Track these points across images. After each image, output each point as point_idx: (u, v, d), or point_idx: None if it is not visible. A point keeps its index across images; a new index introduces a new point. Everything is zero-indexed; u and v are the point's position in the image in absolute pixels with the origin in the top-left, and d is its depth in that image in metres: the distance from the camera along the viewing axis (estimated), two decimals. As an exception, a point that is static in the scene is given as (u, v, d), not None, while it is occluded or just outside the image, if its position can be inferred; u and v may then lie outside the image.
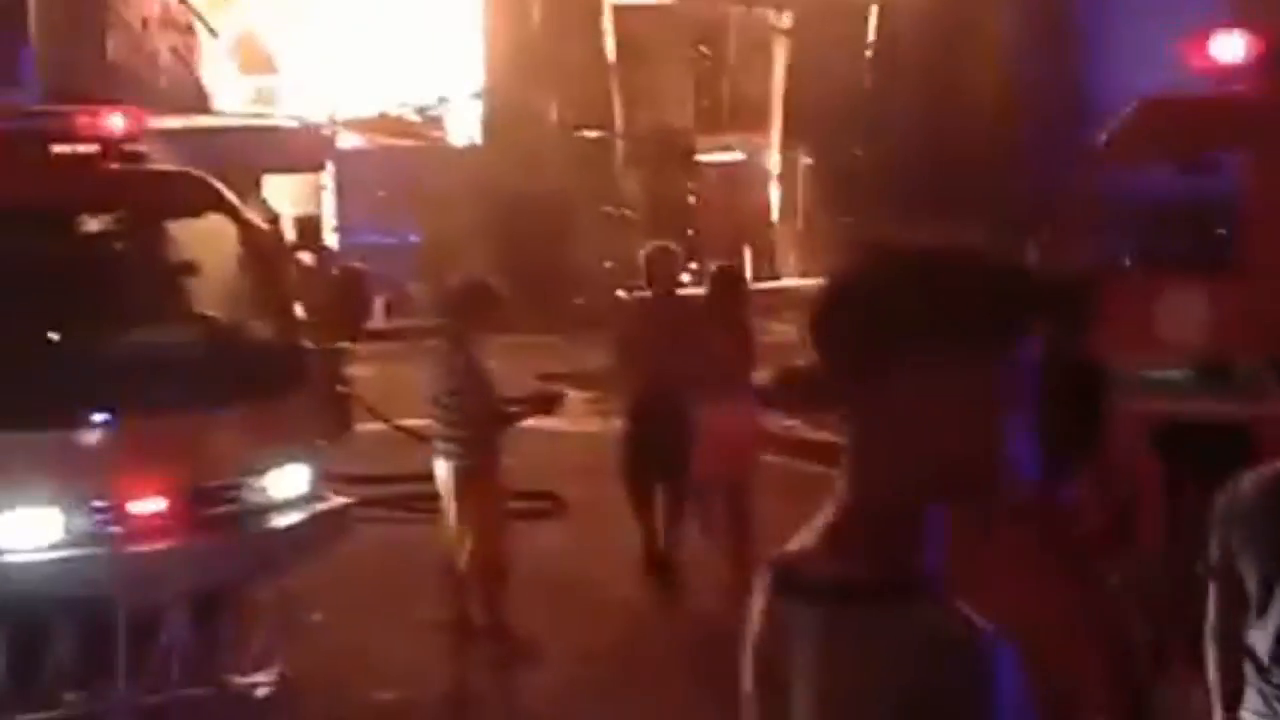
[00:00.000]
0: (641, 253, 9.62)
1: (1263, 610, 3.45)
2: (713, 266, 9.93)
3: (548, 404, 8.54)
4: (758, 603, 1.87)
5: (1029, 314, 1.77)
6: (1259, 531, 3.49)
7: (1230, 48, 7.80)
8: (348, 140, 24.95)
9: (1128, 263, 9.02)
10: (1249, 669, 3.52)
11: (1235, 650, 3.54)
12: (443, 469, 7.79)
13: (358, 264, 16.22)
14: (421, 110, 26.71)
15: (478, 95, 26.55)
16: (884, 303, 1.74)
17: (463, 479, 7.66)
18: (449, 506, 7.80)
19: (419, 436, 13.84)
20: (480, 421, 7.61)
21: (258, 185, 18.90)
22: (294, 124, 23.40)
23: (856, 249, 1.85)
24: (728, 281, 9.26)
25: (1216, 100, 7.96)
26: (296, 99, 24.10)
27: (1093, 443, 2.64)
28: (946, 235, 1.81)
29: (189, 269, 8.22)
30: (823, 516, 1.81)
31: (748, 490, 8.54)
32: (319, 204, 23.37)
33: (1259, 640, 3.47)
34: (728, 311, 8.86)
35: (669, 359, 8.62)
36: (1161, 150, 8.12)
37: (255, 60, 23.37)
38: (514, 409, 8.11)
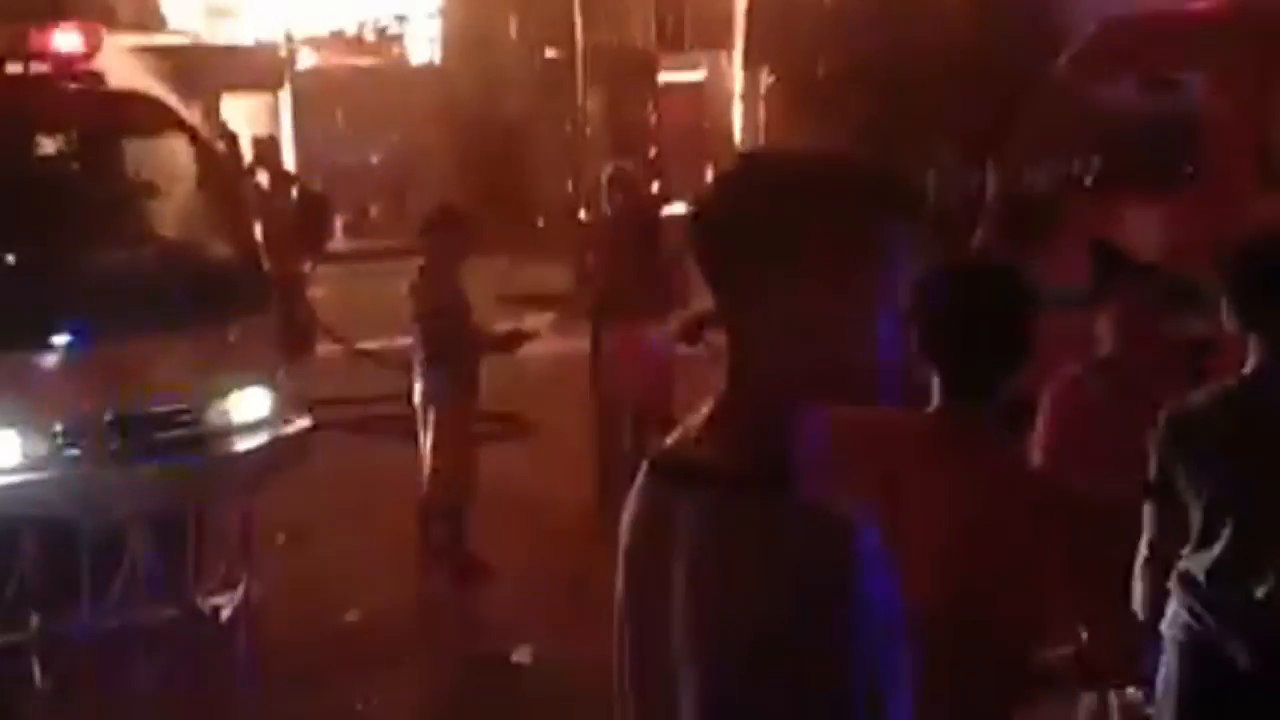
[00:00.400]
0: (602, 175, 9.61)
1: (1208, 533, 3.44)
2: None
3: (519, 342, 8.53)
4: (634, 501, 1.89)
5: (895, 218, 1.79)
6: (1207, 453, 3.46)
7: None
8: (306, 59, 24.67)
9: (1088, 181, 9.05)
10: (1181, 588, 3.51)
11: (1168, 571, 3.54)
12: (419, 389, 7.79)
13: (316, 185, 16.11)
14: (380, 29, 26.40)
15: (436, 14, 26.26)
16: (748, 216, 1.77)
17: (438, 401, 7.67)
18: (422, 426, 7.80)
19: (378, 360, 13.86)
20: (458, 345, 7.61)
21: (215, 105, 18.69)
22: (250, 42, 23.12)
23: (730, 165, 1.88)
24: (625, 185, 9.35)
25: (1179, 19, 7.95)
26: (252, 16, 23.77)
27: (1018, 357, 2.62)
28: (832, 147, 1.85)
29: (146, 190, 8.13)
30: (702, 412, 1.84)
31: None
32: (277, 124, 23.13)
33: (1198, 562, 3.46)
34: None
35: (627, 279, 8.62)
36: (1124, 69, 8.13)
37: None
38: (488, 341, 8.11)
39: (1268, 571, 3.37)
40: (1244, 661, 3.39)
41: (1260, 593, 3.36)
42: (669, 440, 1.89)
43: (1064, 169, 8.99)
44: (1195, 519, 3.44)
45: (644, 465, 1.91)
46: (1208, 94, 7.70)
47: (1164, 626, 3.52)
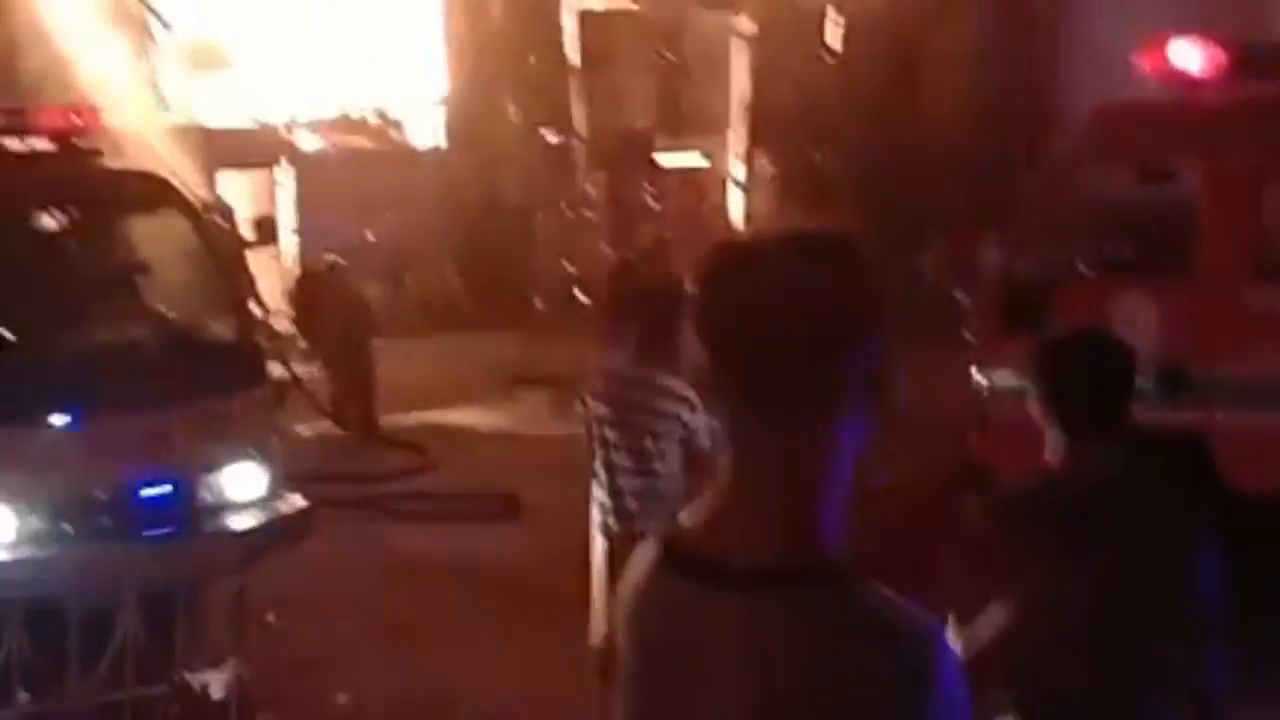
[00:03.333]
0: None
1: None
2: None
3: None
4: (648, 592, 1.82)
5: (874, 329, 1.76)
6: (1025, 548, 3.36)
7: (1187, 55, 7.83)
8: (308, 142, 24.82)
9: (1085, 269, 9.09)
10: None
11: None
12: None
13: (334, 258, 16.23)
14: (381, 113, 26.60)
15: (441, 101, 26.48)
16: (751, 319, 1.73)
17: None
18: None
19: (374, 436, 13.87)
20: None
21: (212, 183, 18.81)
22: (250, 123, 23.30)
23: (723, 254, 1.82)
24: (662, 250, 9.40)
25: (1176, 108, 8.00)
26: (252, 98, 23.94)
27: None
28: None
29: (145, 267, 8.16)
30: (709, 500, 1.79)
31: None
32: (274, 204, 23.23)
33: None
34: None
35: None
36: (1122, 158, 8.17)
37: (209, 57, 23.20)
38: None
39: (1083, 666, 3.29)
40: None
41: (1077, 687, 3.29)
42: (677, 529, 1.82)
43: (1062, 256, 9.03)
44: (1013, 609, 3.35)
45: (650, 554, 1.84)
46: (1204, 183, 7.74)
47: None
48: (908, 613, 1.67)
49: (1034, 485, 3.45)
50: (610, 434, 5.71)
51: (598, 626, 5.74)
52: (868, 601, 1.67)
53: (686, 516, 1.82)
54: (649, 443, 5.66)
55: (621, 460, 5.70)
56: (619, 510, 5.72)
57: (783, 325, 1.69)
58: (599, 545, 5.85)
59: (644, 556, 1.85)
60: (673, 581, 1.78)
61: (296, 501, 7.95)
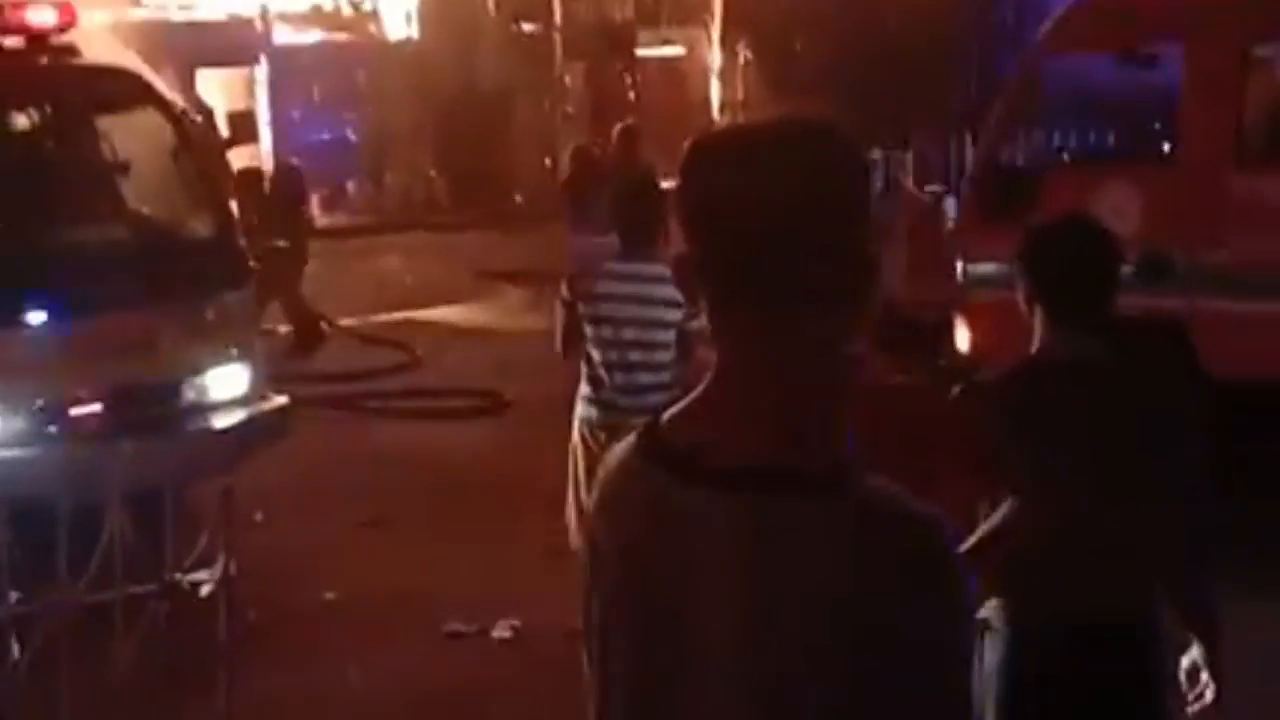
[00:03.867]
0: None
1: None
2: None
3: None
4: (625, 487, 1.75)
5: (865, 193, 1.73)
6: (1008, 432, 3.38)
7: None
8: (281, 34, 24.50)
9: (1066, 156, 9.07)
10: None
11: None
12: None
13: (294, 161, 16.03)
14: (356, 4, 26.24)
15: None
16: (741, 203, 1.65)
17: None
18: None
19: (358, 336, 13.85)
20: None
21: (191, 80, 18.58)
22: (225, 17, 22.97)
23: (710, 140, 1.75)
24: (629, 139, 9.38)
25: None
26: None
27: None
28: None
29: (125, 167, 8.09)
30: (700, 394, 1.72)
31: None
32: (253, 99, 22.98)
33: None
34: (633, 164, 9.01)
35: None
36: (1101, 43, 8.12)
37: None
38: None
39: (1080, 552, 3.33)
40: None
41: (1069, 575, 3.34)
42: (652, 423, 1.75)
43: (1043, 144, 9.01)
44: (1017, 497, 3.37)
45: (627, 448, 1.77)
46: (1186, 69, 7.70)
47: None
48: (912, 504, 1.62)
49: (1016, 370, 3.47)
50: (598, 329, 5.68)
51: (574, 524, 5.72)
52: (871, 498, 1.61)
53: (676, 410, 1.74)
54: (638, 333, 5.64)
55: (608, 355, 5.68)
56: (603, 403, 5.71)
57: (771, 214, 1.62)
58: (577, 440, 5.82)
59: (624, 448, 1.78)
60: (653, 474, 1.70)
61: (278, 400, 7.96)
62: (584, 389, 5.80)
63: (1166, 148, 8.07)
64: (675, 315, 5.54)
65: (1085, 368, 3.34)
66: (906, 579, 1.58)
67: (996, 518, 3.35)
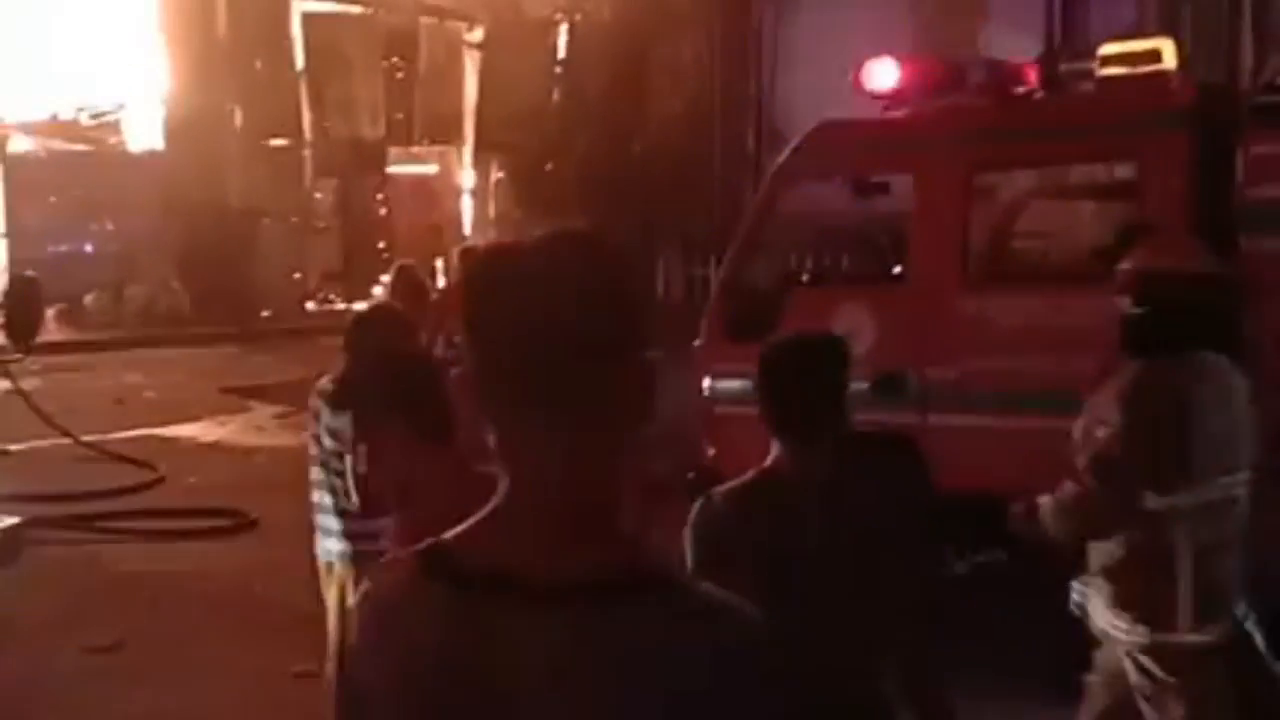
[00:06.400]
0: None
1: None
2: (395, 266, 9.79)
3: None
4: (414, 610, 1.71)
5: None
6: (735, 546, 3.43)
7: (883, 75, 8.20)
8: (19, 144, 23.83)
9: (804, 277, 9.42)
10: None
11: None
12: None
13: (29, 273, 15.52)
14: (97, 115, 25.69)
15: (158, 101, 25.70)
16: (525, 322, 1.69)
17: None
18: None
19: (100, 450, 13.40)
20: None
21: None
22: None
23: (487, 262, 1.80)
24: (409, 285, 9.01)
25: (888, 124, 8.34)
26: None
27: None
28: None
29: None
30: (490, 510, 1.72)
31: None
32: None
33: None
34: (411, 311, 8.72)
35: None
36: (835, 171, 8.50)
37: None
38: None
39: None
40: None
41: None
42: (428, 545, 1.73)
43: (782, 265, 9.33)
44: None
45: (402, 569, 1.75)
46: (915, 196, 8.09)
47: None
48: (733, 601, 1.67)
49: (745, 485, 3.55)
50: (336, 462, 5.50)
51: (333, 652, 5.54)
52: (689, 595, 1.67)
53: (463, 530, 1.72)
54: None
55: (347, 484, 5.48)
56: (347, 531, 5.52)
57: (560, 323, 1.65)
58: (325, 568, 5.63)
59: (392, 574, 1.77)
60: (444, 594, 1.67)
61: (7, 520, 7.67)
62: (322, 520, 5.61)
63: (898, 270, 8.43)
64: None
65: (811, 482, 3.46)
66: (722, 670, 1.63)
67: None
